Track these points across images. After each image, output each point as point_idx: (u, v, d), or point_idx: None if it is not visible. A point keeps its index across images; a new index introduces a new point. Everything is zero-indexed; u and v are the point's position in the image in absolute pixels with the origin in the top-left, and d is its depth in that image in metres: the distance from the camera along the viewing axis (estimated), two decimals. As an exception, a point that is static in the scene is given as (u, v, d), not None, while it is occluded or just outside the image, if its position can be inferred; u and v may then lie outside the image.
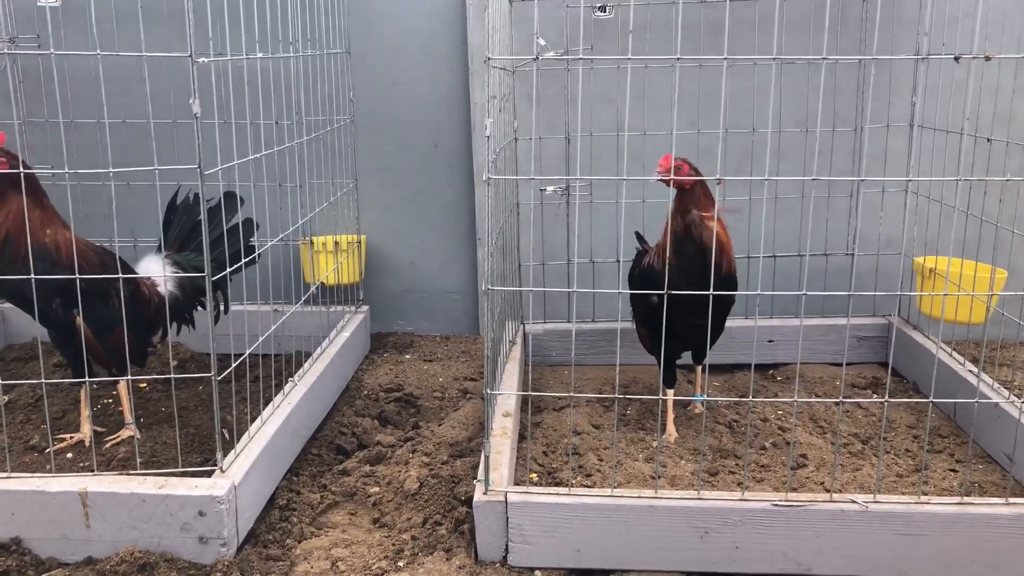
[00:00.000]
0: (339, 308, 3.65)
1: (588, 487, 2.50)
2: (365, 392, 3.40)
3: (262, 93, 3.16)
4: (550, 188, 3.39)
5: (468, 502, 2.49)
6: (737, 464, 2.69)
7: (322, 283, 3.46)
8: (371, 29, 3.80)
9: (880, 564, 2.17)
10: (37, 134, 3.76)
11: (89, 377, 2.59)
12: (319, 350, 3.27)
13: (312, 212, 3.34)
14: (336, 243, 3.67)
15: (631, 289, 3.00)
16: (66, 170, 2.25)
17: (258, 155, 2.67)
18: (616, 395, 2.39)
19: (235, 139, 2.58)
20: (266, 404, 2.73)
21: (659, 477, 2.55)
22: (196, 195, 2.99)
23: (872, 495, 2.19)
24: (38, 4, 3.68)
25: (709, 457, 2.74)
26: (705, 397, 3.09)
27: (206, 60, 2.20)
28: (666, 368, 2.88)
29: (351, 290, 3.82)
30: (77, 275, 2.39)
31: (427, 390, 3.44)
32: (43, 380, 2.41)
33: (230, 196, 2.98)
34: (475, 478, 2.60)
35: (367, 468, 2.79)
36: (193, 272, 2.91)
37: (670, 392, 2.91)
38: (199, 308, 3.03)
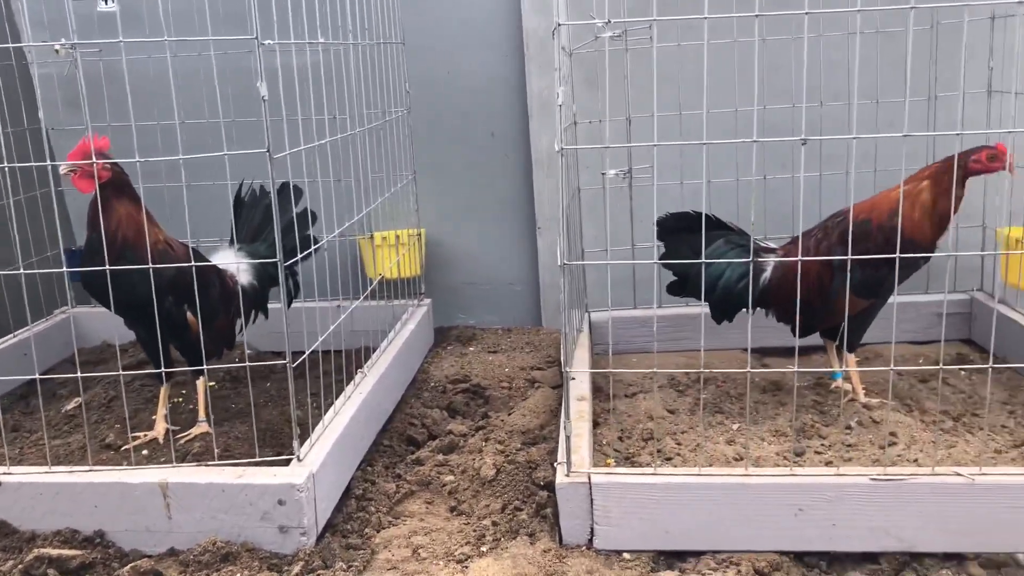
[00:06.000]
0: (402, 302, 3.63)
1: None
2: (432, 384, 3.36)
3: (324, 86, 3.13)
4: (612, 171, 3.31)
5: (548, 487, 2.43)
6: (823, 444, 2.59)
7: (383, 277, 3.43)
8: (424, 17, 3.78)
9: (988, 540, 2.05)
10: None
11: (168, 369, 2.60)
12: (385, 342, 3.24)
13: (370, 206, 3.31)
14: (397, 237, 3.65)
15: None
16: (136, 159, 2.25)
17: (323, 141, 2.64)
18: (701, 370, 2.31)
19: (298, 133, 2.56)
20: (336, 398, 2.70)
21: (746, 457, 2.46)
22: (261, 186, 3.10)
23: (977, 468, 2.08)
24: (98, 10, 3.76)
25: (792, 437, 2.64)
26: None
27: (271, 43, 2.19)
28: None
29: (413, 283, 3.79)
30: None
31: (494, 380, 3.39)
32: (132, 372, 2.41)
33: (285, 187, 3.01)
34: (553, 463, 2.55)
35: (440, 457, 2.74)
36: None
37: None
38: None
